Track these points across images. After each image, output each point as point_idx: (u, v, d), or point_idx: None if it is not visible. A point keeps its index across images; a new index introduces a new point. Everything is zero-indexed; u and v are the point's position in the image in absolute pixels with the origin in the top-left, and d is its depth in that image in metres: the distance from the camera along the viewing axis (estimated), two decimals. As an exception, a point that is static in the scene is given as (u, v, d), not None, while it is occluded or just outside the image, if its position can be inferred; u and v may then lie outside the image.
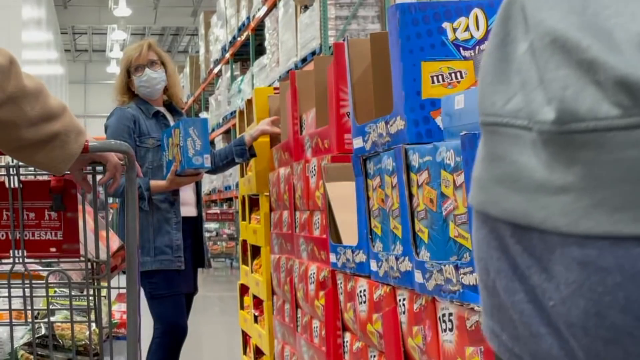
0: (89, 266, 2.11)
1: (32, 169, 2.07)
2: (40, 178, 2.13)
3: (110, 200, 4.05)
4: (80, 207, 2.11)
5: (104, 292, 2.21)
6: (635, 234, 0.63)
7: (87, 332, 2.22)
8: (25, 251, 2.08)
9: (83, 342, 2.24)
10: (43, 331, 2.23)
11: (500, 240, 0.74)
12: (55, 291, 2.34)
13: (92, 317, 2.17)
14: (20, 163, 1.99)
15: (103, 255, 2.13)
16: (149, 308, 3.97)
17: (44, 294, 2.19)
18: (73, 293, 2.17)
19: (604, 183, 0.64)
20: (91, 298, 2.15)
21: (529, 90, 0.70)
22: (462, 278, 1.66)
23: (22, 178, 2.07)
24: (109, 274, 2.14)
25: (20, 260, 2.03)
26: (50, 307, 2.22)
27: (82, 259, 2.11)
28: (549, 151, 0.68)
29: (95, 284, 2.15)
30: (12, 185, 2.04)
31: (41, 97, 1.81)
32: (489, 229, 0.75)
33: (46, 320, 2.20)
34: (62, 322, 2.28)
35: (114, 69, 30.58)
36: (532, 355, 0.74)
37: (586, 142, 0.65)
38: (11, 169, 2.04)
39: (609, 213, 0.64)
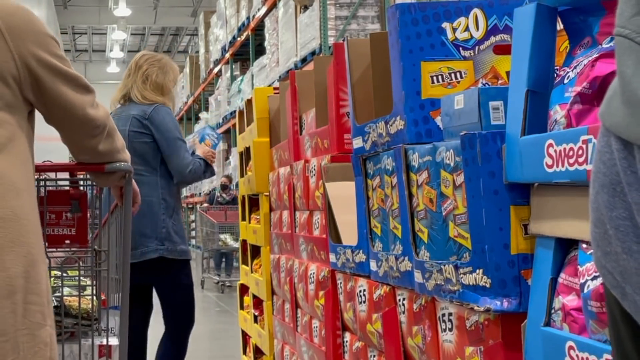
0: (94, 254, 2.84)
1: (54, 182, 2.80)
2: (60, 189, 2.83)
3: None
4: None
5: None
6: None
7: (90, 304, 2.89)
8: (47, 243, 2.65)
9: (86, 310, 2.88)
10: (55, 303, 2.72)
11: (610, 154, 0.72)
12: (61, 273, 2.96)
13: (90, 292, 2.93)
14: (47, 177, 2.74)
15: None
16: (171, 299, 4.16)
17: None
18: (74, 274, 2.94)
19: None
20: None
21: None
22: (461, 278, 1.66)
23: (49, 189, 2.78)
24: (109, 259, 2.83)
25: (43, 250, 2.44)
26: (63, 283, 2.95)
27: (89, 248, 2.82)
28: None
29: (98, 267, 2.84)
30: (40, 195, 2.67)
31: (117, 133, 2.45)
32: (605, 142, 0.74)
33: (58, 294, 2.85)
34: (68, 295, 2.90)
35: (114, 68, 30.56)
36: (622, 273, 0.72)
37: None
38: (41, 182, 2.72)
39: None
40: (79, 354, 2.82)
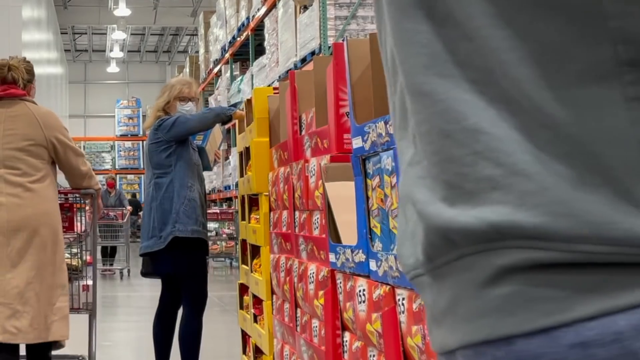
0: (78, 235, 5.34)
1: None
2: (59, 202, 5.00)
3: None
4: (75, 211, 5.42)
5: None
6: (478, 340, 0.70)
7: (78, 263, 5.31)
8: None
9: (75, 266, 5.22)
10: None
11: None
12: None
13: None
14: None
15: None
16: (192, 283, 5.04)
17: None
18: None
19: (460, 303, 0.72)
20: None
21: (413, 241, 0.79)
22: (461, 277, 1.66)
23: None
24: (86, 240, 5.32)
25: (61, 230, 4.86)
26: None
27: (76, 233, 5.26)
28: (432, 287, 0.77)
29: (81, 242, 5.31)
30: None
31: (94, 176, 4.78)
32: None
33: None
34: (67, 258, 4.98)
35: (114, 69, 30.57)
36: None
37: (445, 273, 0.74)
38: None
39: (462, 329, 0.72)
40: (71, 289, 5.02)
